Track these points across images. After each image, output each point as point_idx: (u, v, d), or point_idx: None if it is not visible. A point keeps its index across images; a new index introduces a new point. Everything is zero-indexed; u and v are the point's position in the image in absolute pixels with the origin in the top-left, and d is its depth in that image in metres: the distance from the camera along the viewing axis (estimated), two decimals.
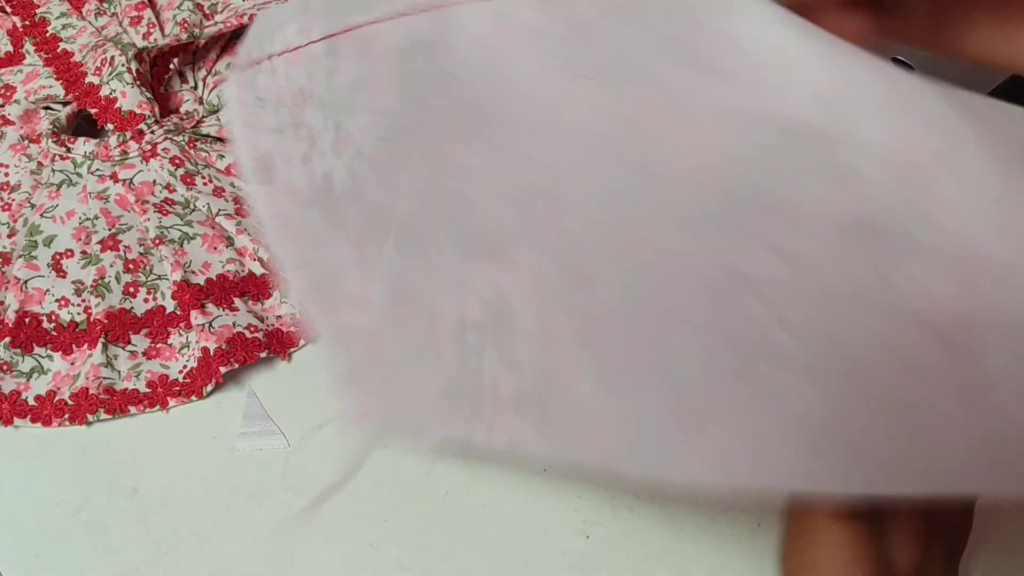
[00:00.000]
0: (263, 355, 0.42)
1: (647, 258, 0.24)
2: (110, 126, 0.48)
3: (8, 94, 0.50)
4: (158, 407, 0.42)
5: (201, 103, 0.50)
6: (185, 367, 0.42)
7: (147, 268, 0.45)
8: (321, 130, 0.29)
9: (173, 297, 0.44)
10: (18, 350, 0.43)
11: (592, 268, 0.24)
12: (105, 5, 0.53)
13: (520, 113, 0.25)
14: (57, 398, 0.42)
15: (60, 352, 0.43)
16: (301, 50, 0.29)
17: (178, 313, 0.44)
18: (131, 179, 0.47)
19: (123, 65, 0.48)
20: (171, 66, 0.50)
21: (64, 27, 0.52)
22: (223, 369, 0.41)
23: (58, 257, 0.45)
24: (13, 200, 0.47)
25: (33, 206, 0.46)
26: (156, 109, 0.48)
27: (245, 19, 0.50)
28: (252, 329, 0.43)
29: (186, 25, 0.51)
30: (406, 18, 0.26)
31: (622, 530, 0.39)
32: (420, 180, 0.27)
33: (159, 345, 0.43)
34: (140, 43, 0.50)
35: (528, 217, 0.25)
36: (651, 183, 0.24)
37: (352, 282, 0.28)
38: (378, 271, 0.28)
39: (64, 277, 0.44)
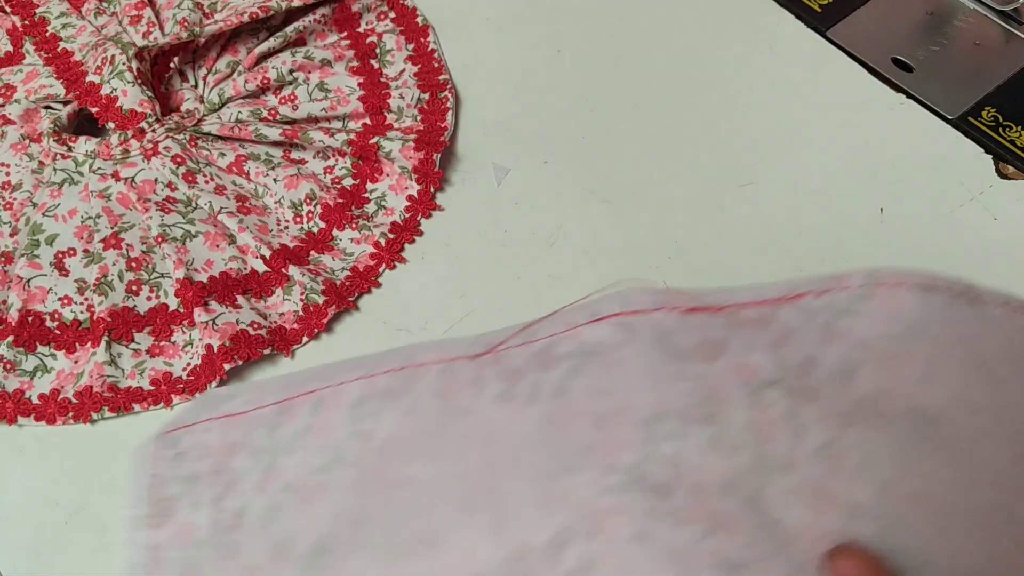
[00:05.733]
0: (266, 352, 0.42)
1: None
2: (111, 125, 0.48)
3: (8, 94, 0.50)
4: (162, 404, 0.42)
5: (202, 101, 0.50)
6: (189, 364, 0.42)
7: (150, 266, 0.45)
8: (247, 472, 0.32)
9: (176, 295, 0.44)
10: (21, 349, 0.43)
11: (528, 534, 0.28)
12: (105, 4, 0.53)
13: (469, 432, 0.30)
14: (61, 396, 0.42)
15: (64, 350, 0.43)
16: (247, 414, 0.33)
17: (181, 311, 0.44)
18: (133, 177, 0.47)
19: (124, 64, 0.48)
20: (171, 65, 0.50)
21: (64, 26, 0.52)
22: (227, 366, 0.41)
23: (60, 256, 0.45)
24: (15, 199, 0.47)
25: (35, 205, 0.46)
26: (157, 108, 0.48)
27: (245, 17, 0.50)
28: (255, 326, 0.43)
29: (186, 24, 0.51)
30: (371, 378, 0.32)
31: None
32: (346, 503, 0.30)
33: (162, 343, 0.43)
34: (140, 42, 0.50)
35: (466, 507, 0.29)
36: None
37: None
38: None
39: (67, 276, 0.44)
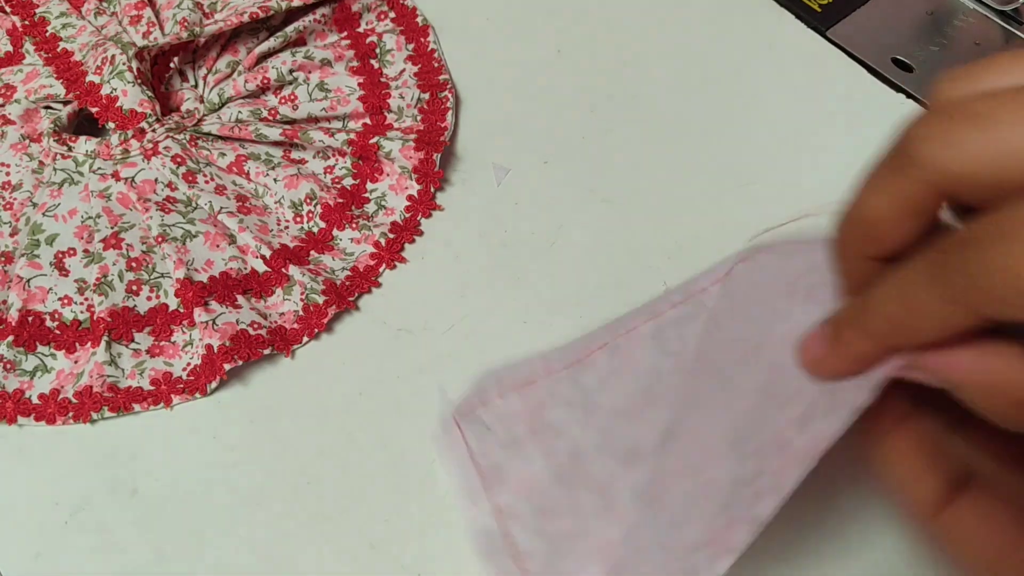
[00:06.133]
0: (266, 352, 0.42)
1: None
2: (111, 125, 0.48)
3: (8, 94, 0.50)
4: (162, 404, 0.42)
5: (202, 101, 0.50)
6: (189, 364, 0.42)
7: (150, 266, 0.45)
8: (566, 421, 0.34)
9: (176, 295, 0.44)
10: (21, 349, 0.43)
11: None
12: (104, 4, 0.53)
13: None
14: (61, 396, 0.42)
15: (64, 350, 0.43)
16: (540, 382, 0.35)
17: (181, 311, 0.44)
18: (133, 177, 0.47)
19: (124, 64, 0.48)
20: (171, 65, 0.50)
21: (64, 26, 0.52)
22: (227, 366, 0.41)
23: (60, 256, 0.45)
24: (15, 199, 0.47)
25: (35, 205, 0.46)
26: (157, 107, 0.48)
27: (245, 17, 0.50)
28: (255, 326, 0.43)
29: (186, 24, 0.51)
30: (658, 317, 0.34)
31: None
32: (678, 398, 0.32)
33: (162, 343, 0.43)
34: (140, 42, 0.50)
35: None
36: None
37: (597, 530, 0.32)
38: (627, 500, 0.32)
39: (67, 276, 0.44)
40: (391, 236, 0.46)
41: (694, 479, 0.31)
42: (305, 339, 0.43)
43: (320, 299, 0.44)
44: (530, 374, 0.35)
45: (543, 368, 0.36)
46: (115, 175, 0.47)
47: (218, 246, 0.45)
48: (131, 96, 0.48)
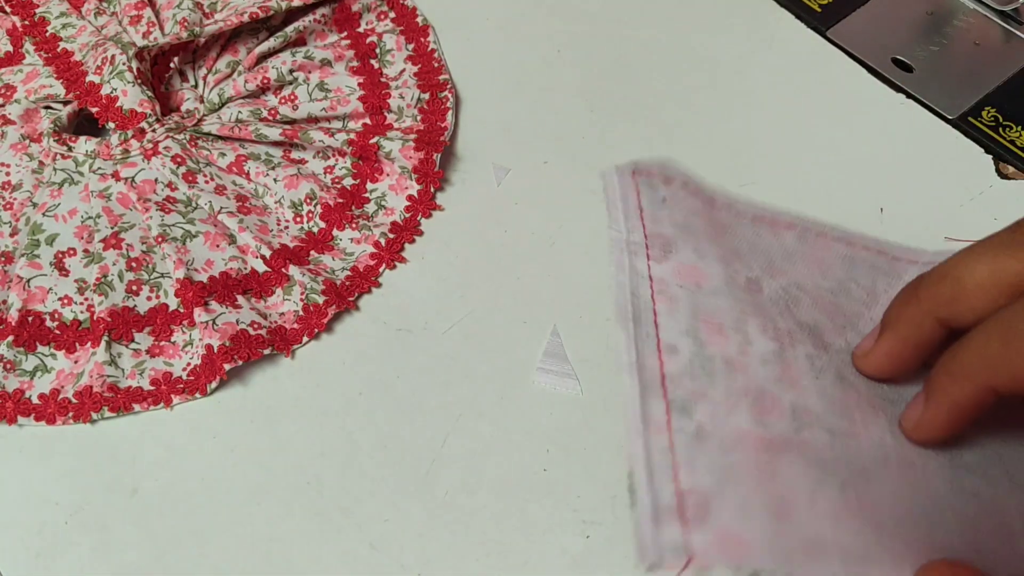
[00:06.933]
0: (266, 352, 0.42)
1: None
2: (111, 125, 0.48)
3: (8, 94, 0.50)
4: (162, 404, 0.42)
5: (202, 101, 0.50)
6: (189, 364, 0.42)
7: (150, 266, 0.45)
8: (746, 255, 0.31)
9: (176, 295, 0.44)
10: (21, 349, 0.43)
11: None
12: (104, 4, 0.53)
13: None
14: (61, 396, 0.42)
15: (63, 350, 0.43)
16: (720, 200, 0.32)
17: (181, 311, 0.44)
18: (133, 177, 0.47)
19: (124, 64, 0.48)
20: (171, 65, 0.51)
21: (64, 26, 0.52)
22: (227, 366, 0.41)
23: (60, 256, 0.45)
24: (15, 199, 0.47)
25: (35, 205, 0.46)
26: (157, 108, 0.48)
27: (245, 17, 0.50)
28: (255, 326, 0.43)
29: (186, 24, 0.51)
30: (851, 246, 0.33)
31: (622, 530, 0.39)
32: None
33: (162, 343, 0.43)
34: (140, 42, 0.50)
35: None
36: None
37: (756, 370, 0.29)
38: (803, 367, 0.29)
39: (67, 276, 0.44)
40: (391, 236, 0.46)
41: (885, 456, 0.28)
42: (305, 339, 0.43)
43: (320, 299, 0.44)
44: (712, 196, 0.32)
45: (725, 202, 0.33)
46: (115, 175, 0.47)
47: (218, 246, 0.45)
48: (131, 96, 0.48)
